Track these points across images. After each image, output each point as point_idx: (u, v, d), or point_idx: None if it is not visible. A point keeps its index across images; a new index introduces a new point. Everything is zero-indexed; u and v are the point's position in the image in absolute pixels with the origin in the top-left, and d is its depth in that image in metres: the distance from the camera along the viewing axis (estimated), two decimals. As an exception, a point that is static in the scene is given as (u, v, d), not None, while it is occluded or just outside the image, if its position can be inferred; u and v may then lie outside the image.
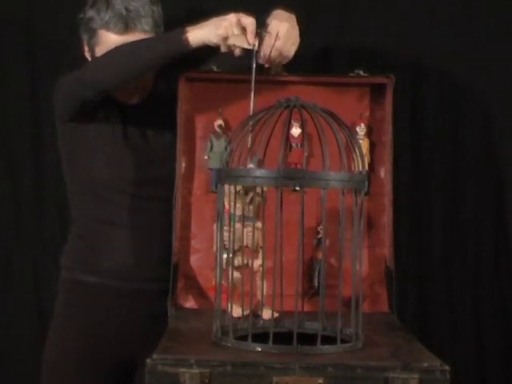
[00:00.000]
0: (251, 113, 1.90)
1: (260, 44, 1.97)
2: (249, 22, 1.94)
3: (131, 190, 2.18)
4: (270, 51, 1.97)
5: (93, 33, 2.14)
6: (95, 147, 2.17)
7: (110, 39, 2.11)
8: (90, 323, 2.16)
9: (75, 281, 2.20)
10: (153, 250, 2.19)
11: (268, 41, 1.97)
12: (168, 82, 2.22)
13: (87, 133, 2.17)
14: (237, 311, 1.81)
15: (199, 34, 1.94)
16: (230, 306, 1.75)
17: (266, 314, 1.85)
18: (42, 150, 2.43)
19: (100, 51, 2.12)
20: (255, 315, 1.82)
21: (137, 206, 2.18)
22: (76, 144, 2.19)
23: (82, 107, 2.11)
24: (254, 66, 1.98)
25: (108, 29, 2.11)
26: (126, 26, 2.10)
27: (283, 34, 1.96)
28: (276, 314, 1.79)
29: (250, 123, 1.74)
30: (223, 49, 1.97)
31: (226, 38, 1.94)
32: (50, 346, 2.20)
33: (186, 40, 1.94)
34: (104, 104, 2.13)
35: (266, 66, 2.04)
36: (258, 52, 1.97)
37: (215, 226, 1.83)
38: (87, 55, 2.20)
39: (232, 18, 1.94)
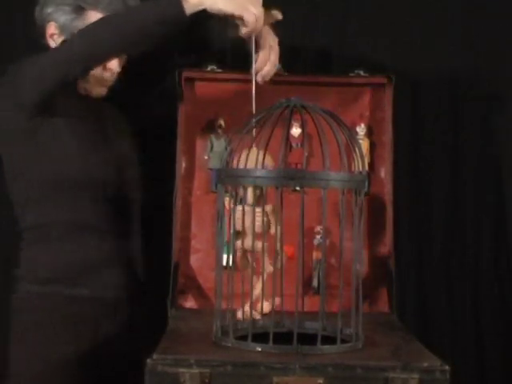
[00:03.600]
0: (253, 106, 1.88)
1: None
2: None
3: (96, 191, 2.01)
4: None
5: (79, 14, 1.98)
6: (58, 145, 1.97)
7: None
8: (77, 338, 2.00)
9: (47, 294, 1.99)
10: (116, 254, 2.06)
11: (273, 58, 1.97)
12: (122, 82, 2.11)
13: (50, 130, 1.96)
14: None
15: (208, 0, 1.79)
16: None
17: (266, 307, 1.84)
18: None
19: None
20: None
21: (104, 209, 2.03)
22: (36, 144, 1.96)
23: (61, 87, 1.89)
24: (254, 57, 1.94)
25: (100, 9, 1.97)
26: (125, 7, 1.97)
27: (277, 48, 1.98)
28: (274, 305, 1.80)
29: (250, 123, 1.74)
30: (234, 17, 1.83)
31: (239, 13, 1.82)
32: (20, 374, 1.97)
33: (186, 3, 1.79)
34: (67, 96, 1.96)
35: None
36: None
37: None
38: (58, 40, 2.02)
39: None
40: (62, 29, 2.00)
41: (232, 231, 1.74)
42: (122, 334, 2.08)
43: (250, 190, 1.75)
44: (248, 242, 1.74)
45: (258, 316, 1.79)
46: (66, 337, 1.97)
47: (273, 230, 1.78)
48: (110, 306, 2.05)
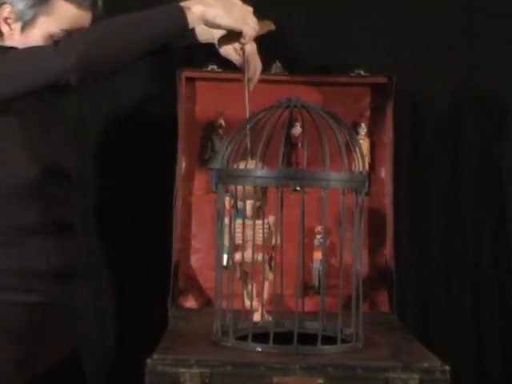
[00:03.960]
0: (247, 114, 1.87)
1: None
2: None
3: (39, 195, 1.85)
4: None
5: (43, 0, 1.82)
6: (6, 142, 1.82)
7: (68, 12, 1.83)
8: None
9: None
10: (59, 258, 1.89)
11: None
12: None
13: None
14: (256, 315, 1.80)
15: (208, 12, 1.76)
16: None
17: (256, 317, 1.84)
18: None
19: (45, 22, 1.82)
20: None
21: (47, 213, 1.87)
22: None
23: (41, 90, 1.73)
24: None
25: (71, 1, 1.83)
26: (94, 3, 1.86)
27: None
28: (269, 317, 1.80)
29: (249, 124, 1.74)
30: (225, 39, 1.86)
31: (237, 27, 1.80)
32: None
33: (190, 15, 1.74)
34: None
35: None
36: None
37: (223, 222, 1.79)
38: (14, 25, 1.84)
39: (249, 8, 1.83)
40: (20, 14, 1.84)
41: (230, 244, 1.74)
42: (69, 339, 1.97)
43: (249, 203, 1.76)
44: (247, 255, 1.75)
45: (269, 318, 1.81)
46: (12, 344, 1.83)
47: (274, 242, 1.78)
48: (55, 311, 1.90)
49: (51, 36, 1.83)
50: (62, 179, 1.90)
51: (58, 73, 1.70)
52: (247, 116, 1.81)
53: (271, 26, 1.95)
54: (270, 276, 1.82)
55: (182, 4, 1.76)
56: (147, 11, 1.78)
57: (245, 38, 1.83)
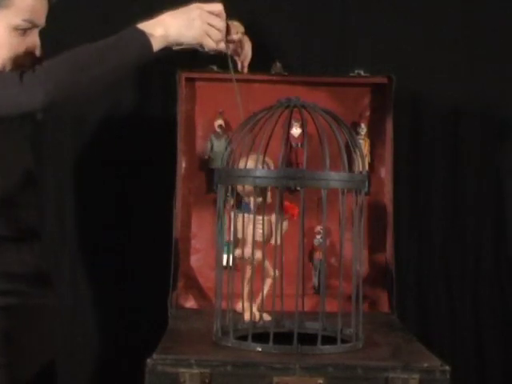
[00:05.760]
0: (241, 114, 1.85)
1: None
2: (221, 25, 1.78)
3: (9, 200, 1.81)
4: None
5: None
6: None
7: (25, 2, 1.77)
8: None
9: None
10: (27, 261, 1.86)
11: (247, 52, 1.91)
12: None
13: None
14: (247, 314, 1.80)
15: (170, 34, 1.73)
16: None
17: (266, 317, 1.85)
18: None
19: (6, 16, 1.77)
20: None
21: (17, 217, 1.83)
22: None
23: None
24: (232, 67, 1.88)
25: None
26: None
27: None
28: (268, 317, 1.80)
29: (250, 123, 1.74)
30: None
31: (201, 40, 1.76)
32: None
33: (153, 40, 1.71)
34: None
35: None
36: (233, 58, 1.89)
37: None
38: None
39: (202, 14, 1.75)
40: None
41: (232, 239, 1.74)
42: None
43: (252, 199, 1.76)
44: (248, 250, 1.75)
45: (268, 317, 1.80)
46: None
47: (273, 241, 1.77)
48: (32, 313, 1.85)
49: (15, 28, 1.77)
50: (29, 185, 1.87)
51: (24, 109, 1.66)
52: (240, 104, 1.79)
53: (240, 29, 1.87)
54: (271, 272, 1.81)
55: (144, 28, 1.71)
56: (111, 39, 1.73)
57: (205, 49, 1.78)
